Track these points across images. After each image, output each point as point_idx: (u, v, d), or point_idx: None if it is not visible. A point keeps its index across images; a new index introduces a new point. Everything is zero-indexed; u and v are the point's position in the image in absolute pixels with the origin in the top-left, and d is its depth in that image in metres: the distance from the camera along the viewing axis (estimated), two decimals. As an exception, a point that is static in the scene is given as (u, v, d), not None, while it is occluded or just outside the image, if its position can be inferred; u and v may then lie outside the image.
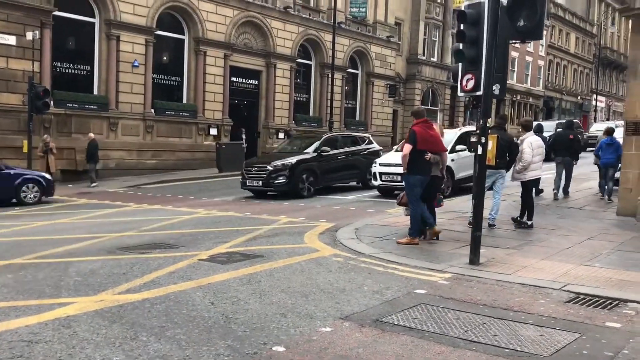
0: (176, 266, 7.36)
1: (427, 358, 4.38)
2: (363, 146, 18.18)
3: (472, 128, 14.70)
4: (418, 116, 9.08)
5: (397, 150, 15.41)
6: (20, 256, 8.13)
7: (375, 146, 18.61)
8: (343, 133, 21.64)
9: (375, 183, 15.30)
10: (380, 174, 15.03)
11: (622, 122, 14.75)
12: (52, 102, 19.47)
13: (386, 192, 15.31)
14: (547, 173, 15.19)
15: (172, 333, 4.88)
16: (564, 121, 20.21)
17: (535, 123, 13.87)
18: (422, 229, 9.05)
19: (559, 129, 18.71)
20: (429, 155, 8.63)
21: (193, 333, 4.89)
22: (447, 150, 9.21)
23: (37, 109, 18.09)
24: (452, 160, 13.91)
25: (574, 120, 20.17)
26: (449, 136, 14.36)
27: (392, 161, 14.66)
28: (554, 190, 13.94)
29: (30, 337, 4.74)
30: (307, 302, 5.78)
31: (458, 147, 14.72)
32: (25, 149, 18.38)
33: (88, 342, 4.64)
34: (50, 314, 5.35)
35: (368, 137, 19.14)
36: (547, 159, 11.71)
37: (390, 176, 14.68)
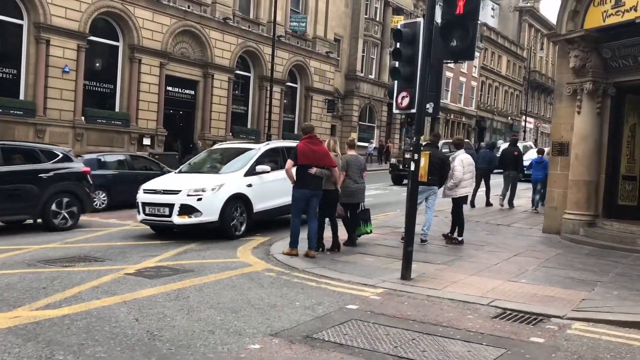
0: (100, 280, 7.05)
1: (356, 375, 4.35)
2: (48, 165, 11.57)
3: (285, 143, 12.88)
4: (304, 132, 9.34)
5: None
6: None
7: (75, 166, 12.15)
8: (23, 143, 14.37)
9: (139, 217, 10.83)
10: (144, 204, 10.60)
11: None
12: (-27, 106, 18.49)
13: (156, 229, 11.13)
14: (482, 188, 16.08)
15: (91, 351, 4.63)
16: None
17: (489, 141, 15.67)
18: (335, 240, 9.38)
19: (503, 147, 20.09)
20: (313, 170, 8.73)
21: (115, 351, 4.66)
22: (335, 166, 9.16)
23: (-44, 113, 17.11)
24: (249, 185, 10.88)
25: (517, 139, 22.02)
26: (250, 153, 11.56)
27: (159, 187, 10.82)
28: (500, 197, 15.74)
29: None
30: (236, 319, 5.64)
31: (260, 168, 11.11)
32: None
33: (-2, 363, 4.33)
34: (-43, 332, 4.99)
35: (64, 153, 12.20)
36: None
37: (157, 208, 10.41)
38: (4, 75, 21.33)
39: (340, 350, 4.84)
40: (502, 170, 16.19)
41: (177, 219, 10.26)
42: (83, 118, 23.10)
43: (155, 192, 10.68)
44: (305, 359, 4.65)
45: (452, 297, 6.75)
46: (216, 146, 14.45)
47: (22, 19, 21.52)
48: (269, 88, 29.38)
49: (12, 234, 10.93)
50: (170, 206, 10.27)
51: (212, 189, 10.39)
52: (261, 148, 11.89)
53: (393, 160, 25.12)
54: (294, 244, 8.94)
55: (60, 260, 8.31)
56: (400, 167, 22.88)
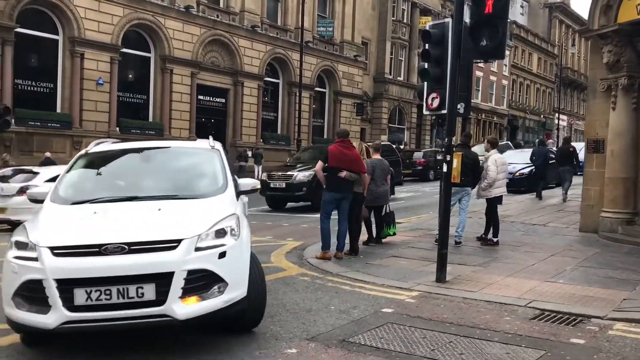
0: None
1: (393, 378, 4.36)
2: None
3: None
4: (339, 135, 9.37)
5: None
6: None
7: None
8: None
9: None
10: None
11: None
12: (13, 120, 19.06)
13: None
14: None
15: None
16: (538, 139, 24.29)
17: (540, 139, 16.56)
18: (354, 244, 9.31)
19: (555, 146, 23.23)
20: (343, 173, 8.74)
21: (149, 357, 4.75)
22: (364, 171, 9.22)
23: (-4, 128, 17.66)
24: None
25: (570, 137, 23.36)
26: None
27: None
28: (563, 192, 16.82)
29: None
30: (272, 323, 5.69)
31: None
32: (-16, 168, 17.88)
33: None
34: None
35: None
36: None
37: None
38: (42, 90, 21.95)
39: (376, 354, 4.84)
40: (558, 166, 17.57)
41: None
42: (118, 129, 23.59)
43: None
44: (342, 363, 4.68)
45: (488, 299, 6.68)
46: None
47: (57, 34, 22.11)
48: (297, 94, 29.55)
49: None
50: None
51: None
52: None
53: (264, 176, 16.83)
54: (326, 247, 8.98)
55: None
56: (273, 184, 15.84)
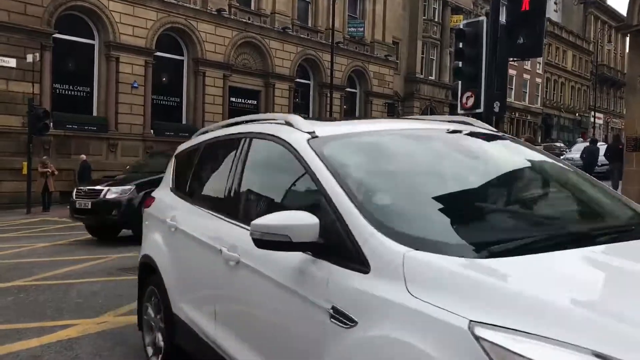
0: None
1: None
2: None
3: None
4: None
5: None
6: (20, 278, 8.07)
7: None
8: None
9: None
10: None
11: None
12: (51, 124, 19.53)
13: None
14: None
15: (175, 355, 4.81)
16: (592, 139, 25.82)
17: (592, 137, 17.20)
18: None
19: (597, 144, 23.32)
20: None
21: (196, 355, 4.82)
22: None
23: (37, 131, 18.11)
24: None
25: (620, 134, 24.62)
26: None
27: None
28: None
29: (31, 361, 4.67)
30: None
31: None
32: (24, 171, 18.40)
33: (90, 365, 4.54)
34: (51, 336, 5.28)
35: None
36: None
37: None
38: (79, 93, 22.45)
39: None
40: (608, 163, 18.50)
41: None
42: (152, 131, 23.98)
43: None
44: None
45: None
46: None
47: (93, 39, 22.58)
48: (328, 94, 29.59)
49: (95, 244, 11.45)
50: None
51: None
52: None
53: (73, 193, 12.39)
54: None
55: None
56: (79, 204, 11.85)
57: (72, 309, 6.37)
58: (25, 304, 6.64)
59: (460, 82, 9.80)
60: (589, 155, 19.67)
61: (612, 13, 66.71)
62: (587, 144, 22.77)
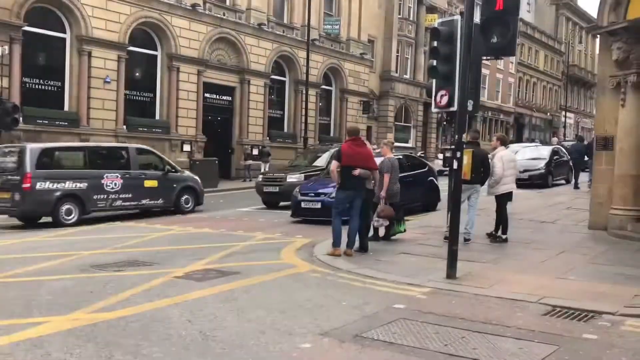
0: (151, 284, 7.23)
1: (408, 373, 4.33)
2: None
3: None
4: (350, 134, 9.38)
5: None
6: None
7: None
8: None
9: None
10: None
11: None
12: (21, 119, 19.11)
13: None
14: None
15: (148, 351, 4.77)
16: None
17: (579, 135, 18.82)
18: (363, 241, 9.38)
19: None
20: (357, 171, 8.80)
21: (170, 351, 4.79)
22: (377, 168, 9.33)
23: (6, 126, 17.70)
24: None
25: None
26: None
27: None
28: (588, 182, 17.40)
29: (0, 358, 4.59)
30: (285, 319, 5.72)
31: None
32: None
33: (61, 363, 4.47)
34: (21, 334, 5.19)
35: None
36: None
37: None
38: (49, 88, 21.99)
39: (390, 349, 4.87)
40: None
41: None
42: (125, 127, 23.63)
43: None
44: (356, 358, 4.70)
45: (499, 295, 6.70)
46: None
47: (65, 32, 22.16)
48: (304, 92, 29.54)
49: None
50: None
51: None
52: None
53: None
54: (336, 244, 9.02)
55: (111, 265, 8.54)
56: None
57: (43, 306, 6.26)
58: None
59: (434, 80, 9.89)
60: (575, 153, 20.37)
61: (583, 14, 67.85)
62: (570, 142, 25.11)
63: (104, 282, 7.36)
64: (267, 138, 29.87)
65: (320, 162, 17.68)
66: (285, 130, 31.95)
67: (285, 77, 31.89)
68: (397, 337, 5.17)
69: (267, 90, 29.99)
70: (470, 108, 9.03)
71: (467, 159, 8.69)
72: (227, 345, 4.95)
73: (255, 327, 5.43)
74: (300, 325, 5.52)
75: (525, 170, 18.79)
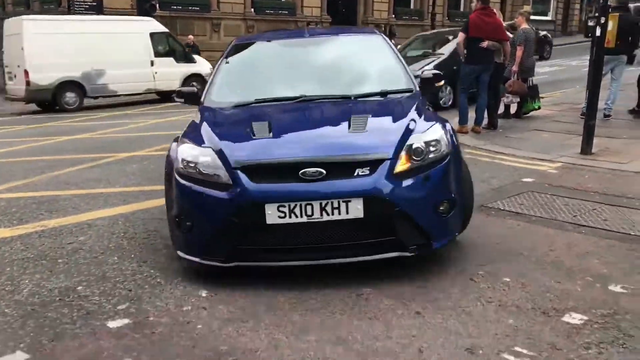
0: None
1: (533, 240, 4.40)
2: None
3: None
4: (481, 2, 8.67)
5: None
6: (141, 149, 8.80)
7: None
8: None
9: None
10: None
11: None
12: (158, 5, 19.99)
13: None
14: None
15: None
16: None
17: None
18: (492, 118, 9.07)
19: None
20: (485, 43, 8.27)
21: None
22: (508, 39, 8.67)
23: (145, 12, 18.69)
24: None
25: None
26: None
27: None
28: None
29: (161, 215, 5.22)
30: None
31: None
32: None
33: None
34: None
35: None
36: None
37: None
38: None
39: (516, 218, 4.91)
40: None
41: None
42: (253, 10, 23.96)
43: None
44: (481, 225, 4.80)
45: (638, 170, 6.37)
46: None
47: None
48: (432, -37, 27.88)
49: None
50: None
51: None
52: None
53: None
54: (463, 121, 8.88)
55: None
56: None
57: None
58: (148, 170, 7.28)
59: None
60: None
61: None
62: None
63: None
64: (393, 16, 28.91)
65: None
66: (412, 6, 30.66)
67: (413, -52, 30.13)
68: (523, 207, 5.18)
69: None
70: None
71: (612, 25, 7.95)
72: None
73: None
74: (426, 195, 5.65)
75: None
